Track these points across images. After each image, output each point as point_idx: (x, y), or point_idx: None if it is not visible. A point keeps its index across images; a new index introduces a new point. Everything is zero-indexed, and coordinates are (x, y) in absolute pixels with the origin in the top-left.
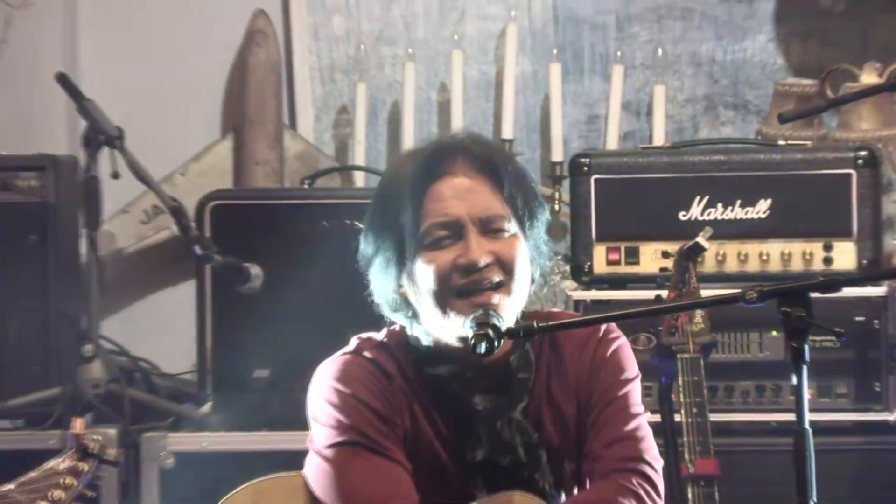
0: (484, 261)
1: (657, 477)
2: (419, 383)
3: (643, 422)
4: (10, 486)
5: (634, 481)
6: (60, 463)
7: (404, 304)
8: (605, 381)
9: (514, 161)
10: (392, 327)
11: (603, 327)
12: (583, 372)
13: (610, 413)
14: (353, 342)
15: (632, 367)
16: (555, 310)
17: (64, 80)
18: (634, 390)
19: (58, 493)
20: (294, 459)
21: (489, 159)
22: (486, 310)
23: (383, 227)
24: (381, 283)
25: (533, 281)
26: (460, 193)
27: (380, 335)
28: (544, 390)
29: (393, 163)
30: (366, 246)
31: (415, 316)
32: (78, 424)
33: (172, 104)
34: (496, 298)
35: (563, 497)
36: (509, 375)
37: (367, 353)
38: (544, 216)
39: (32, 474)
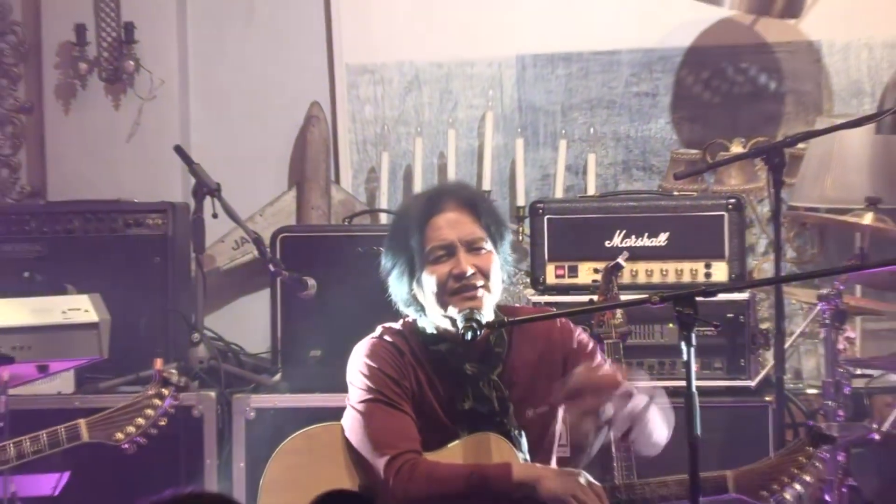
0: (470, 270)
1: None
2: (424, 358)
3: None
4: (114, 409)
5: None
6: (149, 391)
7: (414, 302)
8: (580, 343)
9: (488, 200)
10: (406, 319)
11: (561, 320)
12: (552, 348)
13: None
14: (378, 329)
15: (588, 337)
16: (517, 306)
17: (179, 150)
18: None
19: (149, 412)
20: (338, 414)
21: (470, 199)
22: (471, 309)
23: (398, 248)
24: (397, 287)
25: (503, 281)
26: (451, 224)
27: (397, 325)
28: (513, 361)
29: (403, 203)
30: (385, 262)
31: (422, 310)
32: (158, 362)
33: (254, 166)
34: (480, 293)
35: (524, 437)
36: (489, 350)
37: (387, 338)
38: (509, 237)
39: (129, 401)
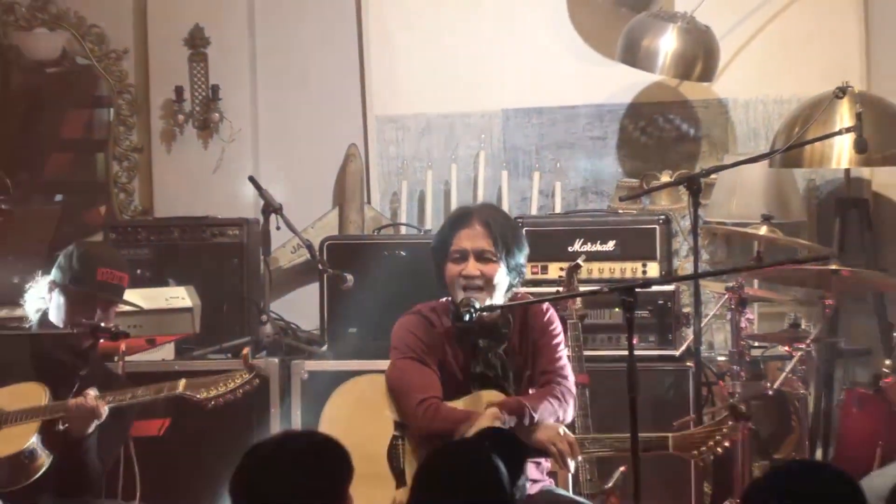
0: (475, 274)
1: (571, 385)
2: (449, 331)
3: (564, 354)
4: (208, 376)
5: (557, 389)
6: (236, 370)
7: (443, 285)
8: (548, 334)
9: (505, 220)
10: (441, 299)
11: (545, 306)
12: (535, 326)
13: (548, 350)
14: (416, 307)
15: (558, 325)
16: (522, 293)
17: (252, 179)
18: (562, 339)
19: (230, 384)
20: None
21: (487, 220)
22: (468, 298)
23: (438, 241)
24: (437, 267)
25: (512, 283)
26: (469, 237)
27: (431, 304)
28: (516, 338)
29: (452, 211)
30: (432, 248)
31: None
32: (245, 351)
33: (307, 191)
34: (480, 294)
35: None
36: (497, 329)
37: (423, 313)
38: (524, 250)
39: (224, 373)
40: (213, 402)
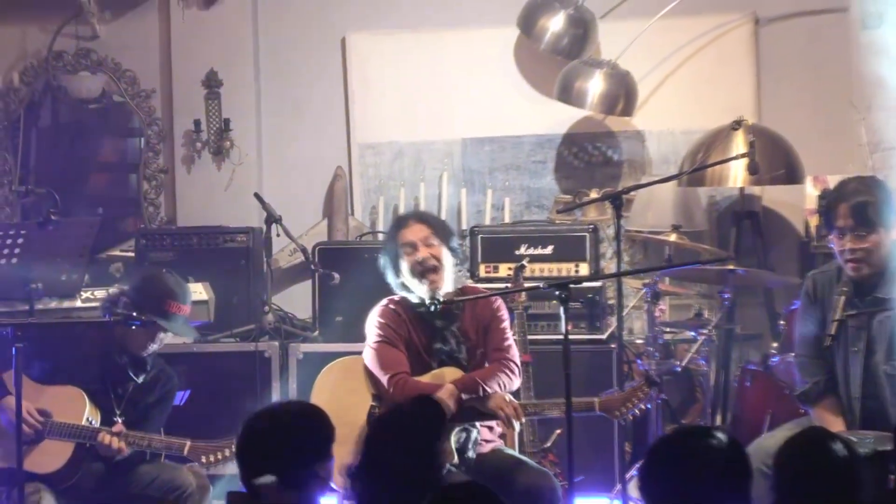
0: (427, 256)
1: (517, 360)
2: (412, 317)
3: (510, 336)
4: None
5: (506, 364)
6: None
7: (402, 286)
8: (497, 319)
9: (434, 217)
10: (401, 295)
11: (496, 298)
12: (486, 313)
13: (498, 333)
14: (385, 300)
15: (506, 312)
16: (472, 285)
17: (257, 196)
18: (508, 324)
19: (228, 451)
20: (353, 355)
21: (422, 216)
22: (434, 290)
23: (388, 254)
24: (391, 278)
25: (455, 263)
26: (412, 231)
27: (396, 297)
28: (468, 322)
29: (388, 230)
30: (382, 264)
31: (408, 289)
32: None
33: (302, 205)
34: (437, 274)
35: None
36: (451, 312)
37: (390, 305)
38: (455, 236)
39: (219, 442)
40: (210, 468)
